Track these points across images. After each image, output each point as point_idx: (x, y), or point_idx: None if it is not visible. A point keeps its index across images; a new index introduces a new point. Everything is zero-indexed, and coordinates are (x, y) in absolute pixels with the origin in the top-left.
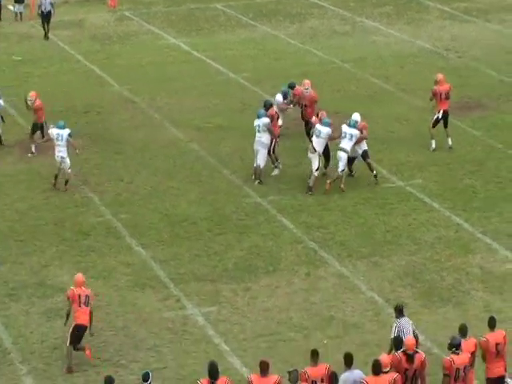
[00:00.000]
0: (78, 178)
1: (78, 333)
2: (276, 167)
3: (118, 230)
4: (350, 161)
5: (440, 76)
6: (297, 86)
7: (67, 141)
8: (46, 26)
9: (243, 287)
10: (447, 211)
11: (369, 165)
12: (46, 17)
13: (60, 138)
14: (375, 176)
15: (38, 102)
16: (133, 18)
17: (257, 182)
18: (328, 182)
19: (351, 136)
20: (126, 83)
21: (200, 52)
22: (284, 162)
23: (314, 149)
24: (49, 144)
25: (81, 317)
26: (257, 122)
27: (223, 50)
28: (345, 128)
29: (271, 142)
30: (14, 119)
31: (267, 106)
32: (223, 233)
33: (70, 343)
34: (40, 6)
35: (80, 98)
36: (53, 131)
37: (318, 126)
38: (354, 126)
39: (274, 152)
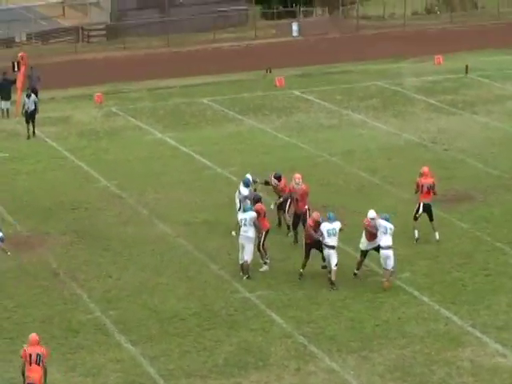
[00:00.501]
0: (66, 274)
1: None
2: (265, 263)
3: (106, 326)
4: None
5: (425, 169)
6: (282, 179)
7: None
8: (30, 125)
9: (233, 382)
10: (436, 304)
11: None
12: (30, 116)
13: None
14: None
15: None
16: (119, 113)
17: (245, 277)
18: (385, 280)
19: (391, 230)
20: (113, 178)
21: (187, 146)
22: (272, 256)
23: (333, 246)
24: (37, 241)
25: (31, 375)
26: (243, 216)
27: (210, 145)
28: (384, 223)
29: (258, 237)
30: (1, 215)
31: (255, 200)
32: (212, 328)
33: None
34: (24, 106)
35: (67, 194)
36: None
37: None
38: (388, 219)
39: (263, 247)
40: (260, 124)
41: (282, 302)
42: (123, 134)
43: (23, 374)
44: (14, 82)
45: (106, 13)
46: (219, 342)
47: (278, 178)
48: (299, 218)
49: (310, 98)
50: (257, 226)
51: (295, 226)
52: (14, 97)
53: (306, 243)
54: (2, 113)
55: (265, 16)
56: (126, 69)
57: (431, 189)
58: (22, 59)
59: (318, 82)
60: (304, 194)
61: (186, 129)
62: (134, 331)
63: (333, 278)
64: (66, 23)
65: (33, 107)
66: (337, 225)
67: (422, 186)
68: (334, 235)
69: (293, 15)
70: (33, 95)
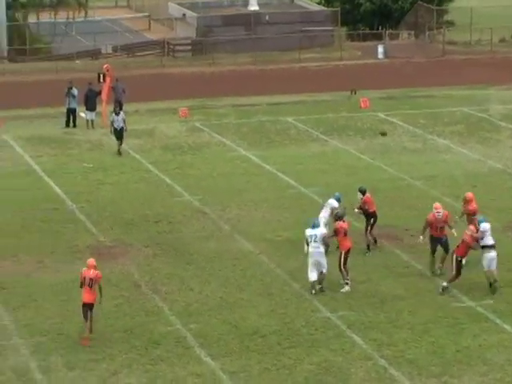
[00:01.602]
0: (148, 286)
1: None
2: (346, 284)
3: (187, 340)
4: None
5: (469, 195)
6: (367, 194)
7: None
8: (119, 142)
9: None
10: None
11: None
12: (118, 133)
13: None
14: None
15: None
16: (204, 128)
17: (318, 287)
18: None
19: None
20: (196, 193)
21: (271, 165)
22: (353, 277)
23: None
24: (119, 252)
25: (84, 296)
26: (312, 232)
27: (294, 164)
28: (487, 226)
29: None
30: (84, 225)
31: (338, 216)
32: (293, 346)
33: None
34: (113, 123)
35: (151, 206)
36: None
37: None
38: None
39: (344, 267)
40: (344, 145)
41: (363, 323)
42: (207, 149)
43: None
44: (100, 93)
45: (191, 28)
46: (299, 360)
47: (363, 192)
48: (438, 242)
49: (394, 120)
50: (326, 242)
51: (434, 251)
52: (99, 108)
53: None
54: (87, 123)
55: (350, 37)
56: (211, 84)
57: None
58: (107, 71)
59: (402, 105)
60: (446, 220)
61: (270, 147)
62: (214, 346)
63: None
64: (151, 36)
65: (121, 125)
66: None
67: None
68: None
69: (379, 37)
70: (121, 113)
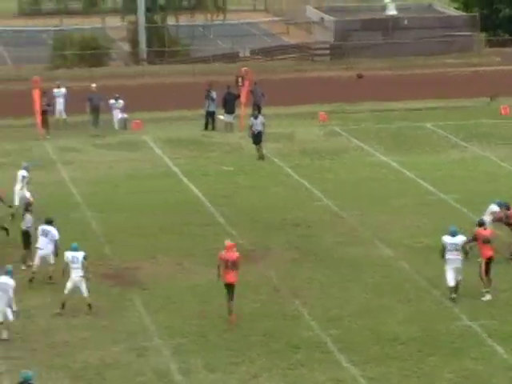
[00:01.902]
0: (287, 290)
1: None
2: (487, 292)
3: (327, 345)
4: None
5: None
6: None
7: (82, 263)
8: (258, 146)
9: None
10: None
11: None
12: (257, 137)
13: (75, 261)
14: None
15: None
16: (342, 133)
17: (453, 295)
18: None
19: None
20: (335, 198)
21: (410, 171)
22: (495, 286)
23: None
24: (259, 255)
25: (226, 277)
26: (452, 241)
27: (433, 170)
28: None
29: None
30: (223, 228)
31: (479, 223)
32: (433, 354)
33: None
34: (251, 127)
35: (290, 210)
36: (67, 254)
37: None
38: None
39: (486, 275)
40: (484, 152)
41: (504, 332)
42: (345, 154)
43: (218, 268)
44: (238, 96)
45: (329, 32)
46: (439, 368)
47: (507, 207)
48: None
49: None
50: (465, 250)
51: None
52: (237, 111)
53: None
54: (226, 126)
55: (489, 43)
56: (349, 89)
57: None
58: (246, 74)
59: None
60: None
61: (409, 153)
62: (354, 352)
63: None
64: (289, 40)
65: (260, 128)
66: None
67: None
68: None
69: None
70: (260, 116)
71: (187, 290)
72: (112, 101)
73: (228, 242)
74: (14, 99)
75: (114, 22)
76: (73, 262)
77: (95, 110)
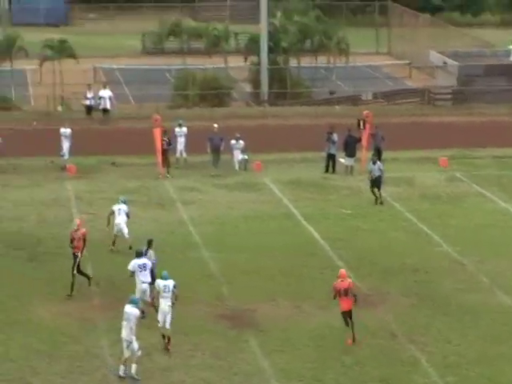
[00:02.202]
0: (404, 336)
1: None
2: None
3: None
4: None
5: None
6: None
7: (172, 292)
8: (376, 190)
9: None
10: None
11: None
12: (374, 182)
13: (167, 290)
14: None
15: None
16: (463, 179)
17: None
18: None
19: None
20: (455, 244)
21: None
22: None
23: None
24: (377, 299)
25: (342, 305)
26: None
27: None
28: None
29: None
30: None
31: None
32: None
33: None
34: (370, 172)
35: (408, 255)
36: (159, 282)
37: None
38: None
39: None
40: None
41: None
42: (466, 199)
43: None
44: (359, 139)
45: (452, 77)
46: None
47: None
48: None
49: None
50: None
51: None
52: (358, 154)
53: None
54: (346, 169)
55: None
56: (471, 135)
57: None
58: (367, 117)
59: None
60: None
61: None
62: None
63: None
64: (412, 84)
65: (378, 173)
66: None
67: None
68: None
69: None
70: (378, 162)
71: (304, 333)
72: (233, 141)
73: (342, 270)
74: (136, 138)
75: (236, 62)
76: (164, 290)
77: (216, 151)
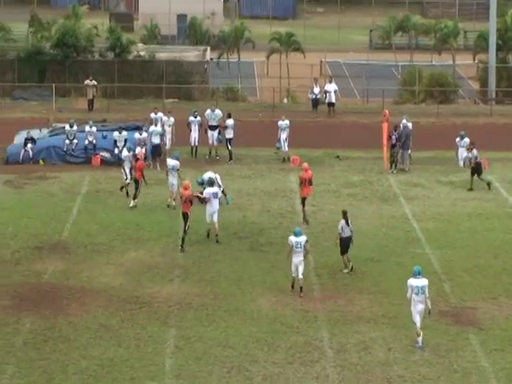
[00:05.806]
0: None
1: None
2: None
3: None
4: None
5: None
6: None
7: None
8: None
9: None
10: None
11: None
12: None
13: (299, 246)
14: None
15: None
16: None
17: None
18: None
19: None
20: None
21: None
22: None
23: None
24: None
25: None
26: None
27: None
28: None
29: None
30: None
31: None
32: None
33: None
34: None
35: None
36: (291, 238)
37: None
38: None
39: None
40: None
41: None
42: None
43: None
44: None
45: None
46: None
47: None
48: None
49: None
50: None
51: None
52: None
53: None
54: None
55: None
56: None
57: None
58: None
59: None
60: None
61: None
62: None
63: None
64: None
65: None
66: None
67: None
68: None
69: None
70: None
71: None
72: (457, 139)
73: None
74: (361, 132)
75: (464, 59)
76: (296, 246)
77: None
